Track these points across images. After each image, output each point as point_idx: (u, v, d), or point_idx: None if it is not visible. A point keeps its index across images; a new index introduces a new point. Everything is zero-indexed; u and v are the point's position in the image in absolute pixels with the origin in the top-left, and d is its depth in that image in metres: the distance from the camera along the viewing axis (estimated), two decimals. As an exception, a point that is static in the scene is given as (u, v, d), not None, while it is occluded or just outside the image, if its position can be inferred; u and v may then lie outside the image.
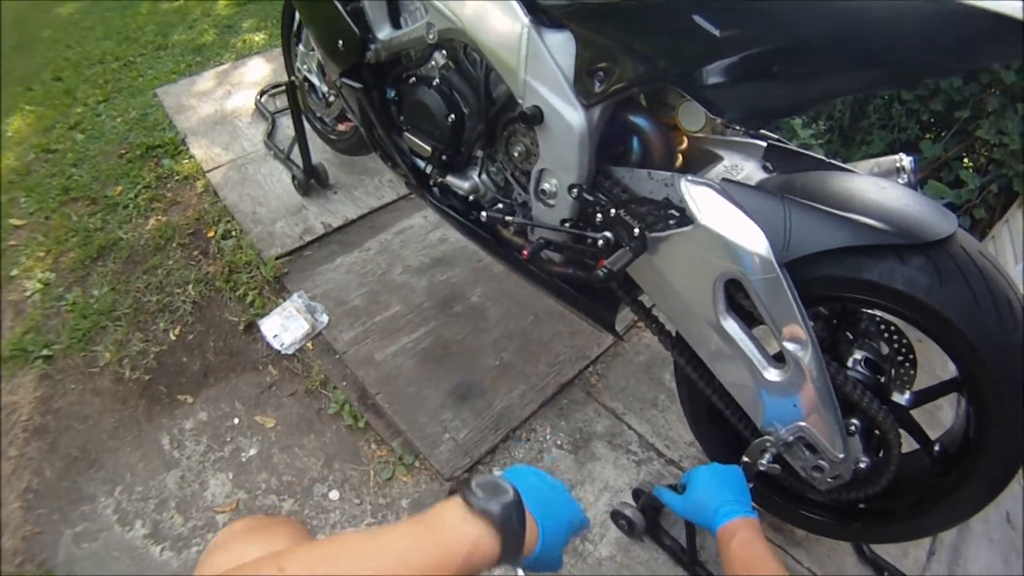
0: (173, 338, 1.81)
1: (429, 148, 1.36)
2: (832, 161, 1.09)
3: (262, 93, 2.44)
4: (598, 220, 1.08)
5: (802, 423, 1.00)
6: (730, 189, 0.93)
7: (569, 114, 1.03)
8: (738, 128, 1.21)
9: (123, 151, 2.43)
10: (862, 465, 1.02)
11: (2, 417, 1.61)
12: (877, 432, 1.01)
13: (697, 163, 1.18)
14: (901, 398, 1.05)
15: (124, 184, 2.29)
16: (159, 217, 2.16)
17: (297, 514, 1.46)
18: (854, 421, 1.00)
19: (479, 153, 1.33)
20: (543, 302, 1.78)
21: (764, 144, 1.14)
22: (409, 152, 1.46)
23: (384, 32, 1.39)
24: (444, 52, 1.29)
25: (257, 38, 3.09)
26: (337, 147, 2.10)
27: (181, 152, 2.35)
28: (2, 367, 1.71)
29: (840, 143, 2.19)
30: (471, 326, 1.73)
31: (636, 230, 1.01)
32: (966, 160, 2.17)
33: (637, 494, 1.39)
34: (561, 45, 1.03)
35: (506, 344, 1.68)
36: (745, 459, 1.12)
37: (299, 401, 1.66)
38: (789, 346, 0.93)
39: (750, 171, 1.14)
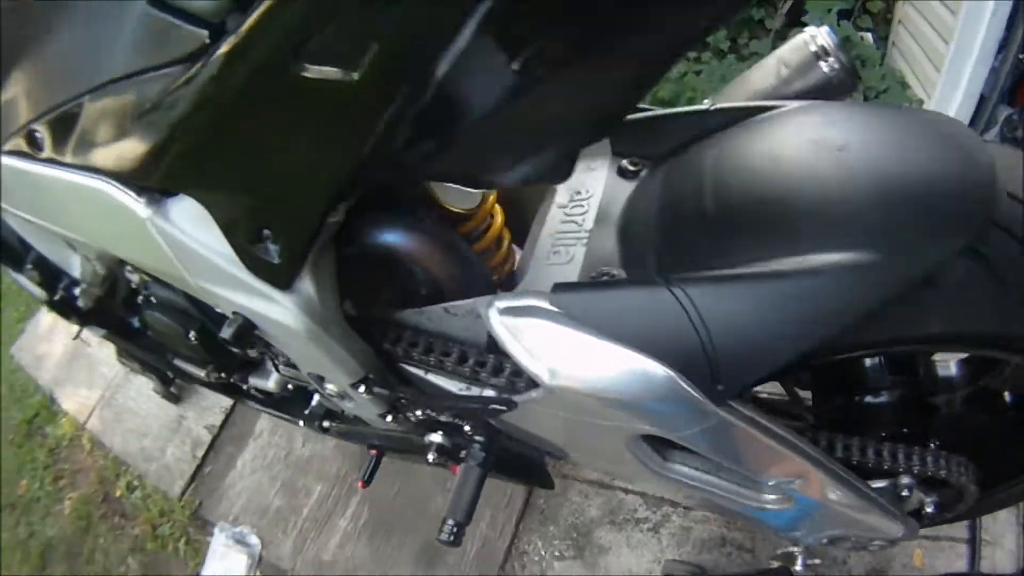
0: (143, 627, 1.62)
1: (200, 372, 1.06)
2: (717, 105, 0.69)
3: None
4: (413, 418, 0.77)
5: (834, 532, 0.73)
6: (570, 304, 0.55)
7: (271, 310, 0.66)
8: None
9: (11, 436, 2.20)
10: (929, 510, 0.73)
11: None
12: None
13: (518, 224, 0.80)
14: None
15: (26, 476, 2.07)
16: (70, 495, 1.95)
17: None
18: (904, 481, 0.69)
19: (253, 353, 1.00)
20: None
21: None
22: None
23: (75, 270, 1.06)
24: (129, 267, 0.96)
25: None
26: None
27: (56, 413, 2.10)
28: None
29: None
30: (400, 468, 1.42)
31: (469, 429, 0.71)
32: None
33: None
34: (196, 218, 0.64)
35: (446, 472, 1.36)
36: (776, 564, 0.87)
37: (282, 643, 1.44)
38: (781, 484, 0.63)
39: (601, 190, 0.76)
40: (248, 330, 0.70)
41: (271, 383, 1.05)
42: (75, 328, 2.18)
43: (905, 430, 0.72)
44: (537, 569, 1.28)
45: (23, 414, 2.20)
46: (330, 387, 0.83)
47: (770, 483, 0.63)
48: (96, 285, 1.04)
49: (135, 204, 0.64)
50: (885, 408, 0.72)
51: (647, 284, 0.55)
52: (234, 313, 0.70)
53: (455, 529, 0.68)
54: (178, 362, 1.11)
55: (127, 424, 1.86)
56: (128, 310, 1.14)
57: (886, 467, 0.65)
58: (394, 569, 1.35)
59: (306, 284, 0.63)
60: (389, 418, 0.82)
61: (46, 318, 2.40)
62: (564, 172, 0.53)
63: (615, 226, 0.72)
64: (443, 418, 0.74)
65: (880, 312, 0.50)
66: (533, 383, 0.59)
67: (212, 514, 1.59)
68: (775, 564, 0.89)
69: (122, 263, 0.94)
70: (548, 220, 0.77)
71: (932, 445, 0.69)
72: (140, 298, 1.02)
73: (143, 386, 1.85)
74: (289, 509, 1.50)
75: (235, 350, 0.97)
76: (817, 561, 0.84)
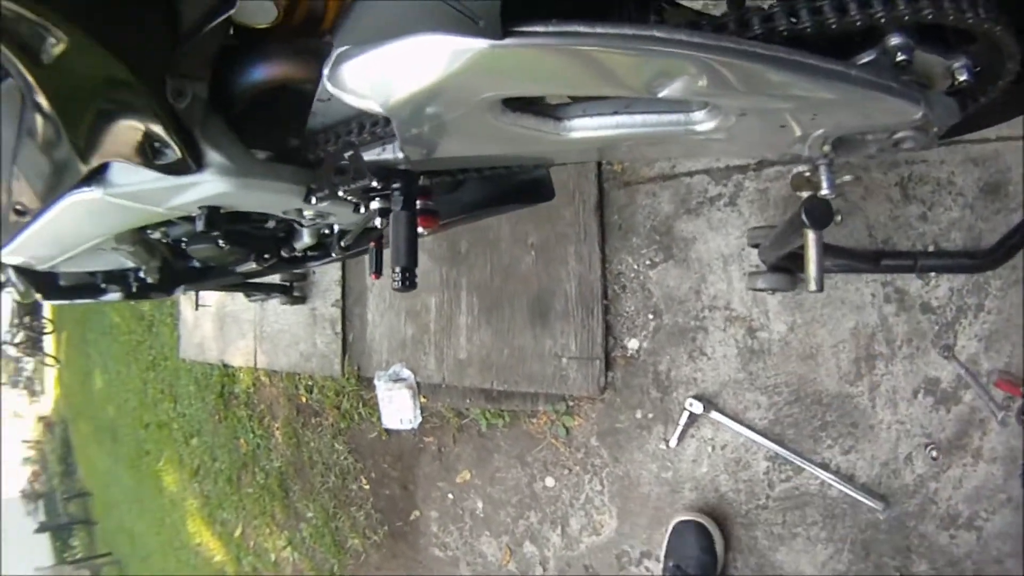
0: (367, 487, 1.97)
1: (253, 264, 1.19)
2: None
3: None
4: (356, 198, 0.84)
5: (820, 132, 0.61)
6: (352, 32, 0.58)
7: (208, 189, 0.78)
8: None
9: (216, 417, 2.66)
10: (964, 77, 0.57)
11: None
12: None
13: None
14: None
15: (241, 435, 2.53)
16: (275, 427, 2.32)
17: (543, 517, 1.52)
18: (894, 42, 0.54)
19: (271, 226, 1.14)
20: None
21: None
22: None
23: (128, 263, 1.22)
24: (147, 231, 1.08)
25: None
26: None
27: (232, 374, 2.49)
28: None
29: None
30: (486, 247, 1.54)
31: (378, 183, 0.75)
32: None
33: (757, 247, 1.11)
34: (121, 169, 0.78)
35: (522, 230, 1.46)
36: (805, 196, 0.76)
37: (461, 442, 1.67)
38: (670, 91, 0.55)
39: None
40: (215, 214, 0.84)
41: (307, 238, 1.14)
42: (191, 303, 2.55)
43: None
44: (637, 285, 1.32)
45: (214, 393, 2.65)
46: (307, 214, 0.91)
47: (659, 95, 0.54)
48: (147, 260, 1.18)
49: (91, 193, 0.78)
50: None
51: None
52: (199, 208, 0.83)
53: (403, 274, 0.72)
54: (239, 269, 1.26)
55: (282, 344, 2.15)
56: (182, 259, 1.28)
57: (836, 25, 0.50)
58: (516, 339, 1.46)
59: (212, 156, 0.75)
60: (362, 210, 0.87)
61: (186, 315, 2.81)
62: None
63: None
64: (374, 184, 0.77)
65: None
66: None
67: (369, 370, 1.82)
68: (803, 195, 0.77)
69: (141, 232, 1.06)
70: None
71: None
72: (174, 247, 1.16)
73: (276, 307, 2.12)
74: (420, 329, 1.68)
75: (264, 232, 1.09)
76: (848, 178, 0.76)
